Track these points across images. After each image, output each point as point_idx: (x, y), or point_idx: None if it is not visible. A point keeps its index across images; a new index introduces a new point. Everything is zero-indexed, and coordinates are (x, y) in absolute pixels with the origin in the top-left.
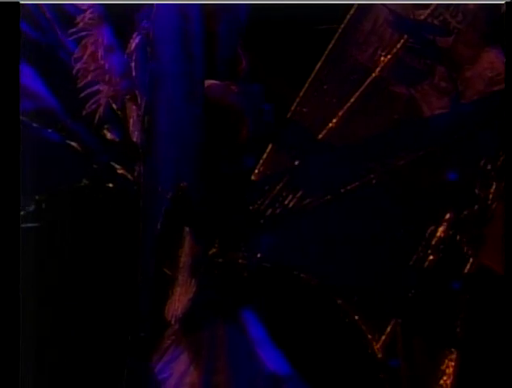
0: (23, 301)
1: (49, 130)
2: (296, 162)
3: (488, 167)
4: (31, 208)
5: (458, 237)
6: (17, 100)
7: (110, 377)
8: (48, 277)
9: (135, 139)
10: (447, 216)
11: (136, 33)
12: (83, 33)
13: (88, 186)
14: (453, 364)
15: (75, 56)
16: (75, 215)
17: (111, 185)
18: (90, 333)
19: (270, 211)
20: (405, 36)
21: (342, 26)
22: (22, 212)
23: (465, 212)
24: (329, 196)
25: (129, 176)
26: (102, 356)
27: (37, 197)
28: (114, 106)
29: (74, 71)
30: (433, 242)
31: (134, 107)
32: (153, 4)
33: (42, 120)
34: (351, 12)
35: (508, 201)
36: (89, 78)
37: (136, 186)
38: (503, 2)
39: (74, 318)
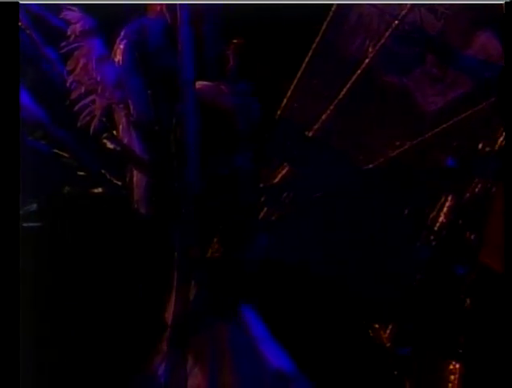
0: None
1: (38, 140)
2: (290, 159)
3: (487, 149)
4: (30, 208)
5: (460, 222)
6: (17, 102)
7: (110, 377)
8: (46, 277)
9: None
10: (448, 201)
11: (119, 38)
12: (74, 45)
13: (79, 192)
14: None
15: (67, 68)
16: (70, 219)
17: (100, 190)
18: (90, 333)
19: (266, 209)
20: (393, 25)
21: (328, 19)
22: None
23: (466, 197)
24: (325, 191)
25: (118, 182)
26: (102, 356)
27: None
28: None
29: (67, 84)
30: (435, 229)
31: (122, 113)
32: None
33: (29, 131)
34: (336, 5)
35: (508, 202)
36: (82, 90)
37: (126, 191)
38: (503, 2)
39: (74, 318)
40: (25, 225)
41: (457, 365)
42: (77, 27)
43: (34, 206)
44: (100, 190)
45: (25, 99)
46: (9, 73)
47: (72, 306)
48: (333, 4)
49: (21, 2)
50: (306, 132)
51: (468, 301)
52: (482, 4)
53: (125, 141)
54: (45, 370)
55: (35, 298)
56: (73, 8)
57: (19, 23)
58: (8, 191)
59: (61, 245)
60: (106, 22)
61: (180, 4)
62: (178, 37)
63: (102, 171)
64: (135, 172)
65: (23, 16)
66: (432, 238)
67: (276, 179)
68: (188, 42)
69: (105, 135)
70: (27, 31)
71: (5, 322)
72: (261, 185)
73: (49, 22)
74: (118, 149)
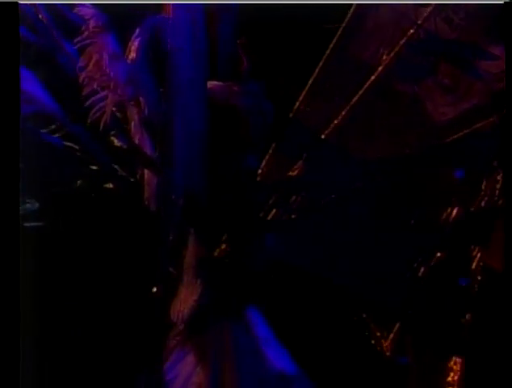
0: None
1: (49, 133)
2: (300, 162)
3: (495, 164)
4: (32, 208)
5: (465, 233)
6: (17, 102)
7: (112, 377)
8: (49, 277)
9: (136, 142)
10: (454, 213)
11: (135, 36)
12: (87, 41)
13: (88, 187)
14: (460, 361)
15: (80, 64)
16: (76, 216)
17: (111, 186)
18: (91, 333)
19: (274, 211)
20: (408, 34)
21: (344, 24)
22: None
23: (472, 209)
24: (333, 196)
25: (130, 178)
26: (102, 356)
27: (36, 198)
28: (117, 112)
29: (80, 79)
30: (441, 239)
31: (135, 110)
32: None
33: (42, 124)
34: (352, 11)
35: (508, 203)
36: (94, 85)
37: (137, 188)
38: (502, 2)
39: (74, 318)
40: (26, 224)
41: (455, 377)
42: (91, 22)
43: (36, 205)
44: (111, 185)
45: (39, 92)
46: (9, 72)
47: (73, 306)
48: (350, 8)
49: (21, 2)
50: (318, 136)
51: (470, 305)
52: (495, 15)
53: (137, 138)
54: (45, 370)
55: (35, 298)
56: (87, 4)
57: (41, 17)
58: (8, 190)
59: (63, 244)
60: (119, 18)
61: (174, 3)
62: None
63: (115, 167)
64: (146, 170)
65: (43, 10)
66: (437, 248)
67: (286, 181)
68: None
69: (113, 132)
70: (46, 24)
71: (5, 322)
72: (270, 186)
73: (67, 16)
74: (125, 146)
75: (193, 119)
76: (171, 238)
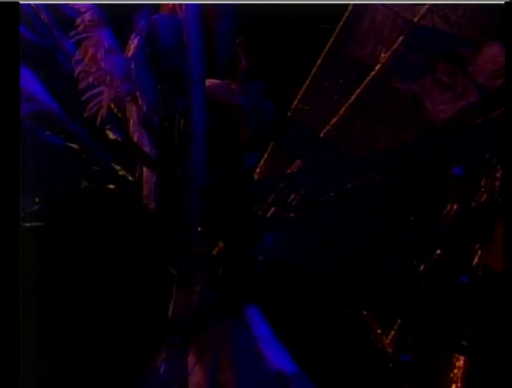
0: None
1: (49, 133)
2: (299, 161)
3: (494, 161)
4: (33, 208)
5: (465, 231)
6: (17, 102)
7: (110, 377)
8: (49, 277)
9: (135, 139)
10: (453, 210)
11: (134, 34)
12: (83, 35)
13: (89, 187)
14: (463, 357)
15: (76, 58)
16: (76, 216)
17: (112, 186)
18: (90, 333)
19: (273, 210)
20: (406, 32)
21: (341, 23)
22: (22, 213)
23: (472, 206)
24: (332, 194)
25: (130, 177)
26: (102, 356)
27: (38, 199)
28: (114, 108)
29: (75, 73)
30: (441, 237)
31: (134, 107)
32: (151, 5)
33: (42, 123)
34: (349, 9)
35: (507, 200)
36: (90, 80)
37: (136, 187)
38: (503, 2)
39: (74, 318)
40: (26, 224)
41: (459, 374)
42: (86, 16)
43: (36, 206)
44: (111, 186)
45: (39, 91)
46: (9, 72)
47: (73, 306)
48: (347, 8)
49: (21, 2)
50: (316, 134)
51: (472, 302)
52: (493, 14)
53: (135, 136)
54: (45, 370)
55: (35, 298)
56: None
57: (42, 16)
58: (8, 190)
59: (63, 244)
60: (116, 13)
61: (187, 3)
62: (185, 34)
63: (115, 166)
64: (144, 168)
65: (44, 10)
66: (437, 246)
67: (283, 180)
68: (196, 39)
69: (108, 126)
70: (47, 24)
71: (5, 322)
72: (269, 185)
73: (63, 10)
74: (119, 139)
75: (194, 117)
76: (171, 237)
